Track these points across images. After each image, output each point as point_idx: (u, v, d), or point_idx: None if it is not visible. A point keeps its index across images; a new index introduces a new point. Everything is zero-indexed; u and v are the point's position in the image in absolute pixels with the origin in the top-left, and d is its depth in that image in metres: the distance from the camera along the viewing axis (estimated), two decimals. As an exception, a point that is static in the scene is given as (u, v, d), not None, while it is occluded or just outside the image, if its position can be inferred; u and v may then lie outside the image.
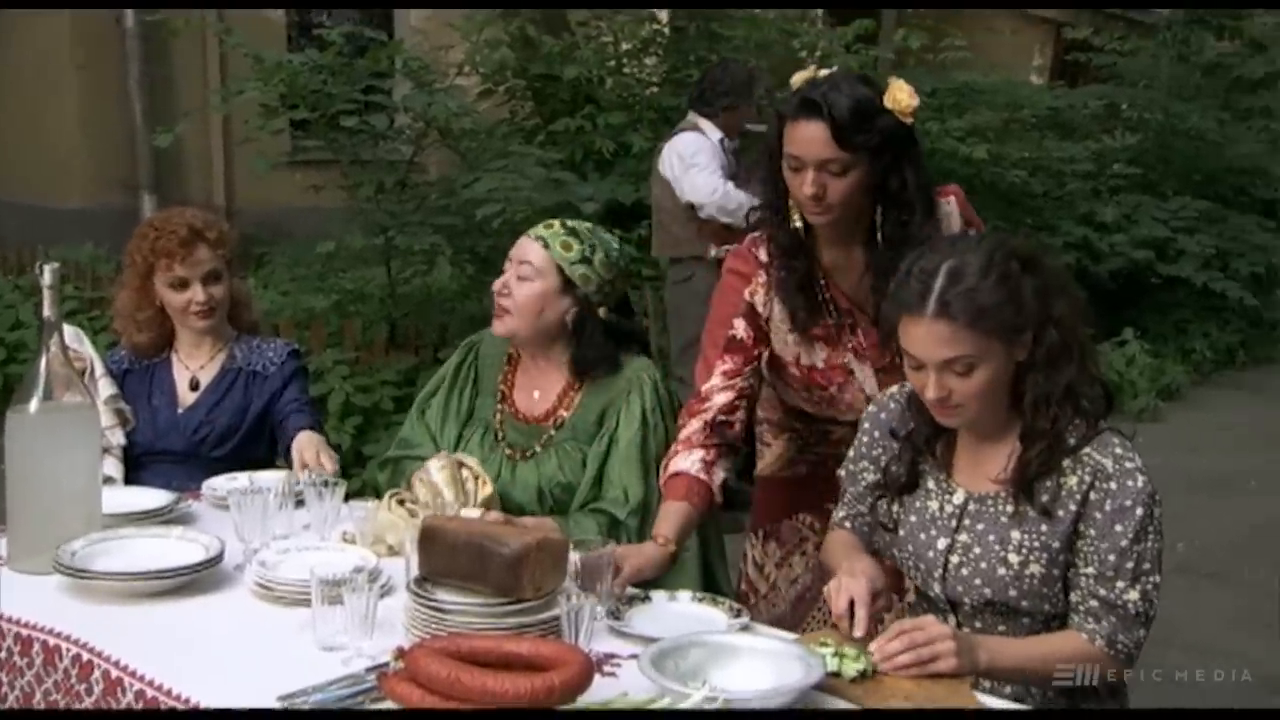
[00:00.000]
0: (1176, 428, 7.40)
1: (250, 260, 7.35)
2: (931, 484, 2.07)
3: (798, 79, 2.32)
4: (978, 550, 1.99)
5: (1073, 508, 1.93)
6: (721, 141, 5.29)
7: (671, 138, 5.40)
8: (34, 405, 2.17)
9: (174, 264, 2.87)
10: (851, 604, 1.92)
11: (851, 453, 2.22)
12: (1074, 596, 1.95)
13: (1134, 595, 1.91)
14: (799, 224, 2.34)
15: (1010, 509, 1.98)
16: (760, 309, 2.43)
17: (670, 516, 2.26)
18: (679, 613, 2.07)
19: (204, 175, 8.92)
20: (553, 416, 2.51)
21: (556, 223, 2.53)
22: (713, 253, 5.24)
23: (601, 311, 2.49)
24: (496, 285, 2.50)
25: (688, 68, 7.79)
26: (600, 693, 1.68)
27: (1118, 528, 1.91)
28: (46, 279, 2.20)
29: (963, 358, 1.89)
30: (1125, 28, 11.29)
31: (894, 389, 2.19)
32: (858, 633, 1.89)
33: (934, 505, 2.06)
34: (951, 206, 2.41)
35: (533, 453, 2.50)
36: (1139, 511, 1.90)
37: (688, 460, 2.31)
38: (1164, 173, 9.54)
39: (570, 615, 1.84)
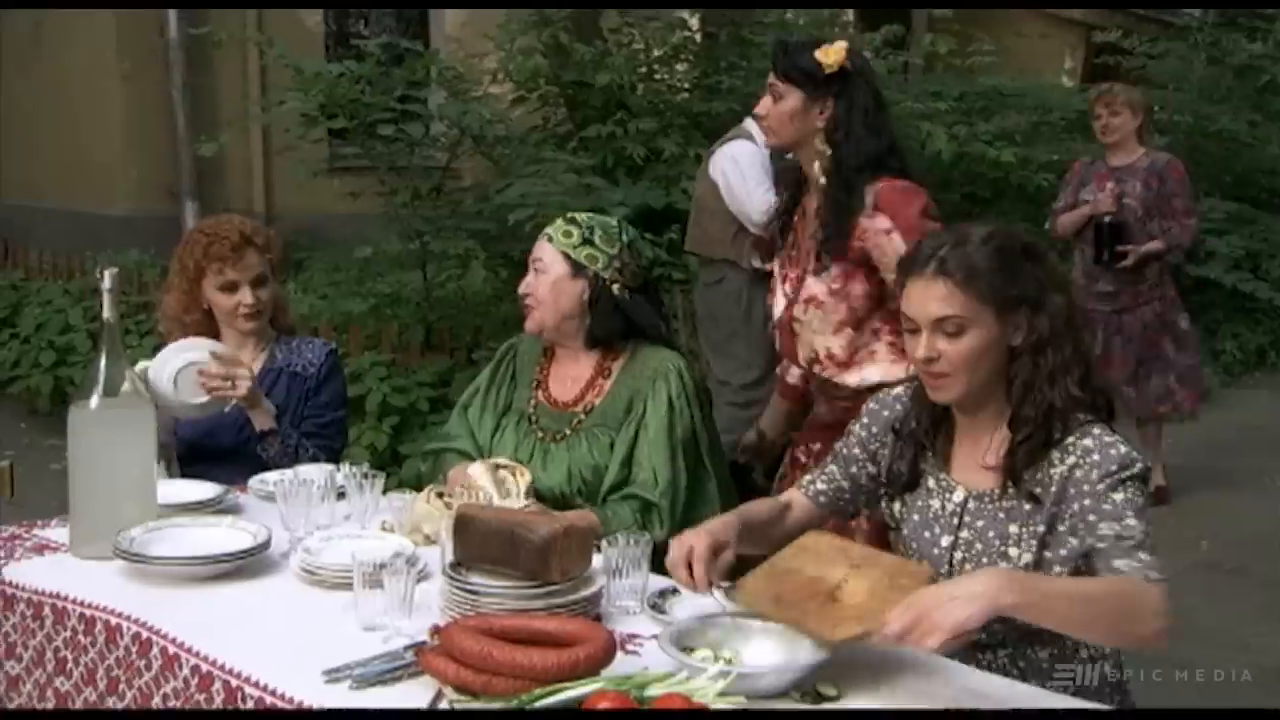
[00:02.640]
0: (1205, 428, 7.40)
1: (289, 265, 7.51)
2: (932, 483, 2.15)
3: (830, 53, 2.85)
4: (979, 546, 2.07)
5: (1054, 490, 1.99)
6: (770, 153, 5.33)
7: (727, 143, 5.46)
8: (94, 401, 2.31)
9: (225, 268, 3.01)
10: (689, 561, 1.98)
11: (849, 436, 2.29)
12: (1098, 563, 1.94)
13: (1116, 529, 1.92)
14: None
15: (1007, 505, 2.05)
16: None
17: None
18: (711, 602, 2.11)
19: (244, 182, 9.10)
20: (582, 401, 2.66)
21: (559, 218, 2.72)
22: (755, 264, 5.32)
23: (616, 289, 2.64)
24: (521, 288, 2.70)
25: (718, 74, 7.89)
26: (622, 668, 1.78)
27: (1100, 485, 1.94)
28: (106, 283, 2.34)
29: (953, 318, 2.00)
30: (1156, 30, 11.28)
31: (899, 389, 2.28)
32: (698, 590, 1.97)
33: (935, 504, 2.13)
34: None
35: (563, 436, 2.64)
36: (1124, 473, 1.94)
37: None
38: (1194, 175, 9.48)
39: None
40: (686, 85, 8.36)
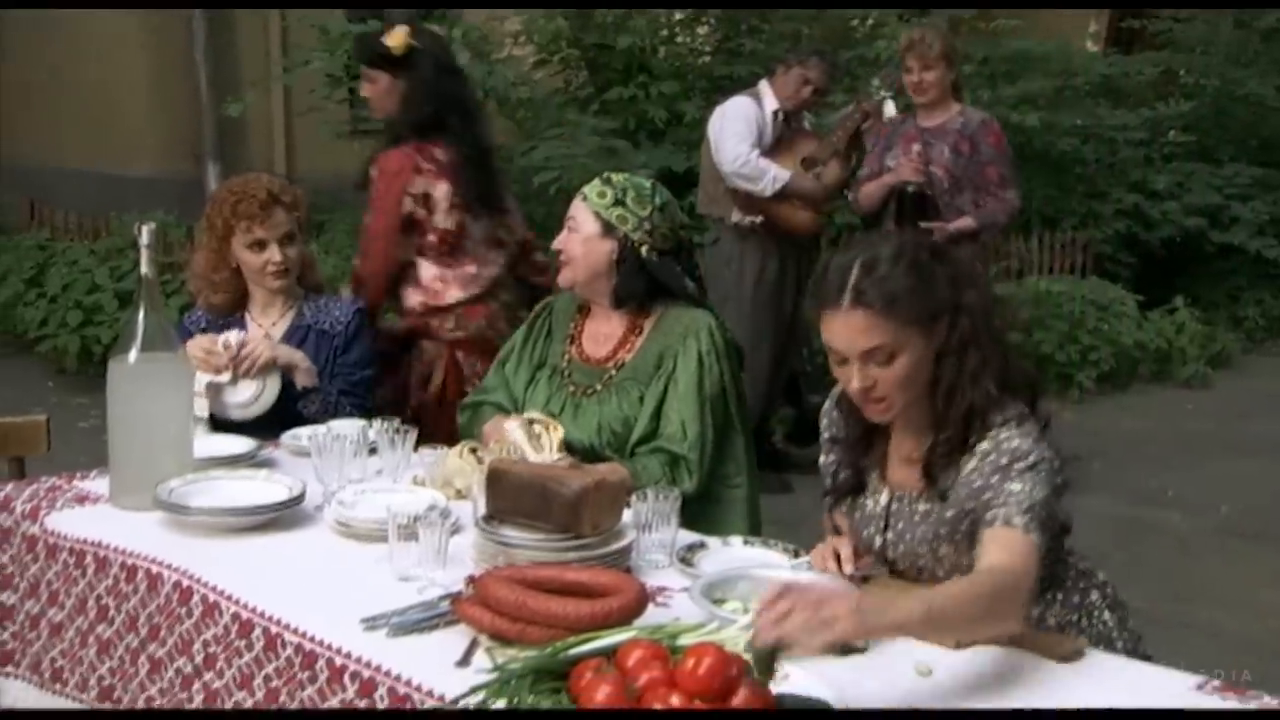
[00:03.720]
0: (1225, 394, 7.42)
1: (312, 227, 7.53)
2: (870, 483, 2.15)
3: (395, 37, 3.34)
4: (902, 547, 2.09)
5: (963, 490, 1.98)
6: (776, 112, 5.32)
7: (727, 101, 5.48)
8: (133, 356, 2.35)
9: (254, 226, 3.04)
10: (837, 558, 2.09)
11: (823, 444, 2.27)
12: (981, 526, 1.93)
13: (1013, 486, 1.90)
14: None
15: (924, 507, 2.05)
16: None
17: None
18: (738, 556, 2.19)
19: (266, 144, 9.12)
20: (614, 359, 2.70)
21: (596, 178, 2.76)
22: (734, 218, 5.32)
23: (644, 250, 2.67)
24: (555, 244, 2.75)
25: (739, 37, 7.86)
26: (653, 619, 1.82)
27: (1001, 460, 1.93)
28: (144, 239, 2.37)
29: (882, 347, 1.94)
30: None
31: (829, 402, 2.24)
32: (847, 569, 2.05)
33: (869, 504, 2.15)
34: None
35: (594, 390, 2.68)
36: (1024, 449, 1.93)
37: None
38: (1219, 139, 9.47)
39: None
40: (708, 48, 8.34)
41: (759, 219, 5.29)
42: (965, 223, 4.77)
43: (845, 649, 1.81)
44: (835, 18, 8.18)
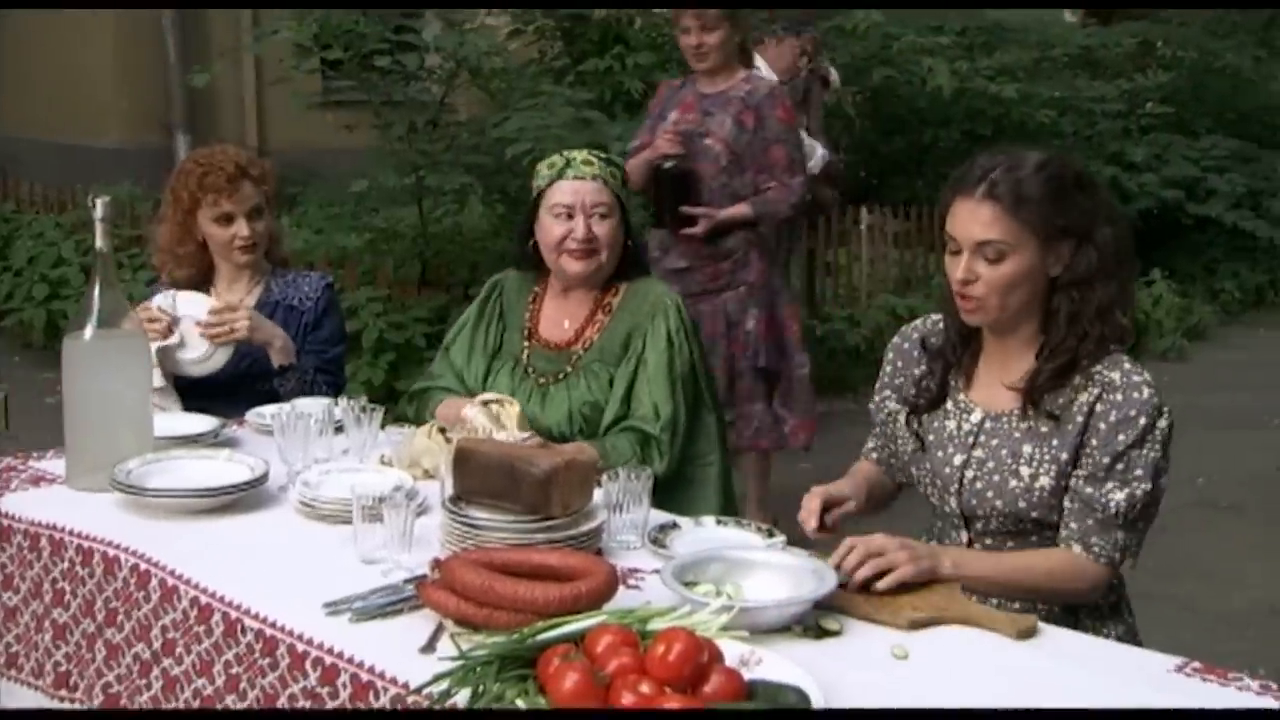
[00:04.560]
0: (1202, 366, 7.43)
1: (283, 200, 7.45)
2: (950, 404, 2.16)
3: None
4: (991, 464, 2.08)
5: (1080, 419, 2.01)
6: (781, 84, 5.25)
7: None
8: (88, 333, 2.28)
9: (220, 199, 2.97)
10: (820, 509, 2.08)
11: (877, 384, 2.31)
12: (1065, 501, 2.03)
13: (1118, 497, 1.98)
14: None
15: (1025, 425, 2.06)
16: None
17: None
18: (711, 537, 2.14)
19: (237, 115, 9.00)
20: (580, 339, 2.63)
21: (589, 156, 2.63)
22: None
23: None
24: (579, 236, 2.57)
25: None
26: (624, 602, 1.77)
27: (1119, 436, 1.98)
28: (99, 212, 2.29)
29: (996, 242, 1.99)
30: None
31: (919, 320, 2.28)
32: (810, 524, 2.06)
33: (951, 424, 2.15)
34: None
35: (564, 376, 2.61)
36: (1141, 420, 1.98)
37: None
38: (1197, 111, 9.47)
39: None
40: (685, 18, 8.23)
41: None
42: (739, 210, 4.06)
43: (821, 632, 1.78)
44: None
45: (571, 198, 2.57)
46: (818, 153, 5.09)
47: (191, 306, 2.89)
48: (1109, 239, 2.03)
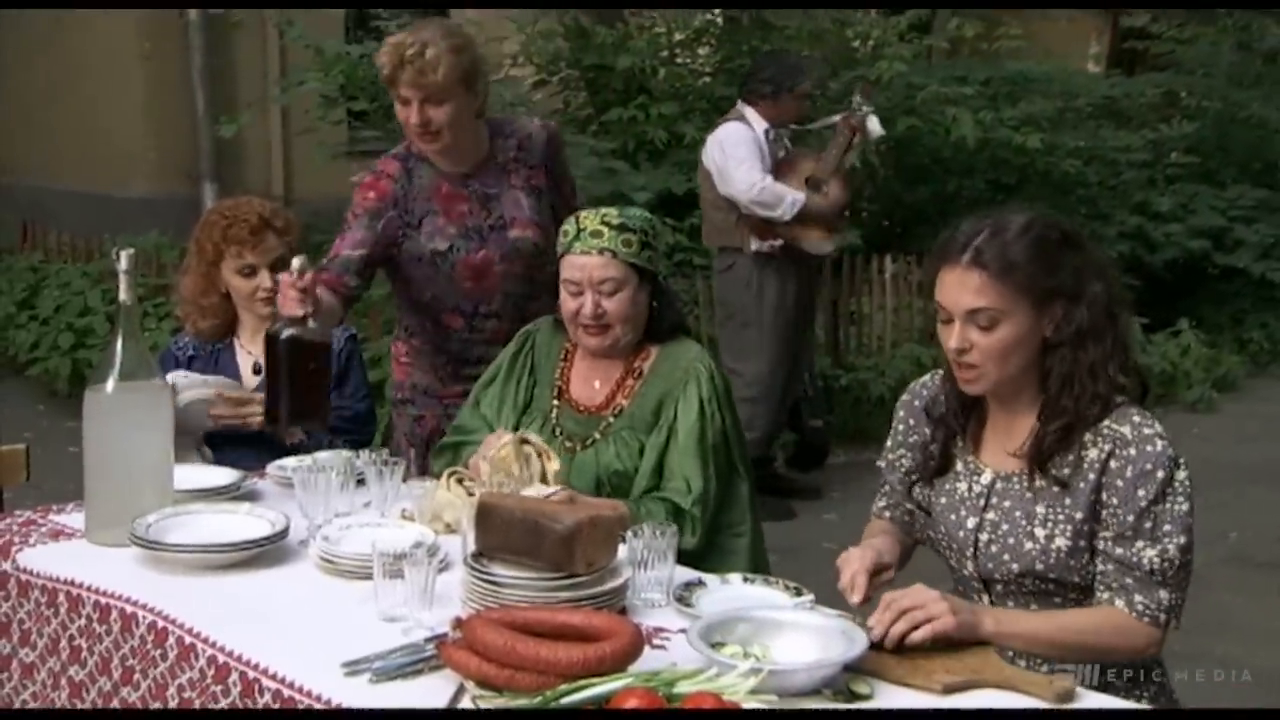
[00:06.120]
0: (1231, 418, 7.35)
1: (309, 249, 7.47)
2: (960, 466, 2.13)
3: None
4: (1005, 527, 2.04)
5: (1092, 477, 1.98)
6: (766, 132, 5.27)
7: (717, 128, 5.43)
8: (110, 385, 2.26)
9: (244, 251, 2.96)
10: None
11: (889, 442, 2.27)
12: (1097, 564, 1.99)
13: (1151, 554, 1.94)
14: None
15: (1036, 486, 2.02)
16: None
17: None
18: (738, 595, 2.10)
19: (263, 165, 9.06)
20: (611, 404, 2.55)
21: (599, 227, 2.49)
22: (753, 246, 5.27)
23: (664, 281, 2.60)
24: (585, 316, 2.48)
25: (740, 58, 7.81)
26: (650, 663, 1.73)
27: (1139, 491, 1.94)
28: (123, 264, 2.28)
29: (987, 310, 1.96)
30: (1184, 14, 11.15)
31: (926, 377, 2.25)
32: (855, 598, 1.98)
33: (963, 486, 2.11)
34: None
35: (591, 441, 2.53)
36: (1159, 474, 1.94)
37: None
38: (1222, 161, 9.44)
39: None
40: (708, 69, 8.30)
41: (778, 243, 5.24)
42: None
43: (852, 695, 1.74)
44: (836, 38, 8.14)
45: (579, 274, 2.48)
46: (786, 200, 5.12)
47: (203, 390, 2.92)
48: (1099, 295, 2.00)
